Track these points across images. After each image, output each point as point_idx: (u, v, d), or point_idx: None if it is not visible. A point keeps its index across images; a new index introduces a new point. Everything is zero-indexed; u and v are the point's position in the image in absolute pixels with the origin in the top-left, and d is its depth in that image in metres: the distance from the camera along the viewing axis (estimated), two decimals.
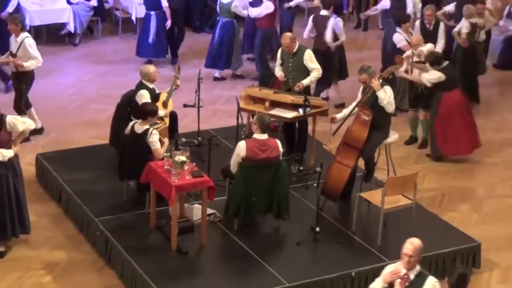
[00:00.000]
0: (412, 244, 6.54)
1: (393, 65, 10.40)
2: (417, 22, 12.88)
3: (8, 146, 8.40)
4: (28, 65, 10.87)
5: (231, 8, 13.46)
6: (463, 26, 12.81)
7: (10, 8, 13.91)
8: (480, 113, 12.92)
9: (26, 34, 11.04)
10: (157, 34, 14.10)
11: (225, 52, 13.62)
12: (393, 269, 6.60)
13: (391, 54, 12.42)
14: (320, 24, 12.52)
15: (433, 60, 10.97)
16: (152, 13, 14.09)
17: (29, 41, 10.95)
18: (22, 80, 11.03)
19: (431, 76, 10.86)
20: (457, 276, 6.36)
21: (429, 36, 12.24)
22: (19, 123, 8.51)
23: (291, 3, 14.63)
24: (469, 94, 12.07)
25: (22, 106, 11.09)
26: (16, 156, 8.54)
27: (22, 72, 10.97)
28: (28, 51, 10.86)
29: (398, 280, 6.56)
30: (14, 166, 8.51)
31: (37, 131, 11.09)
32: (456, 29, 12.89)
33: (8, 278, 8.37)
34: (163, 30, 14.10)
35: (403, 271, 6.56)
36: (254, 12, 13.47)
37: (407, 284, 6.52)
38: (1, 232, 8.55)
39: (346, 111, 9.80)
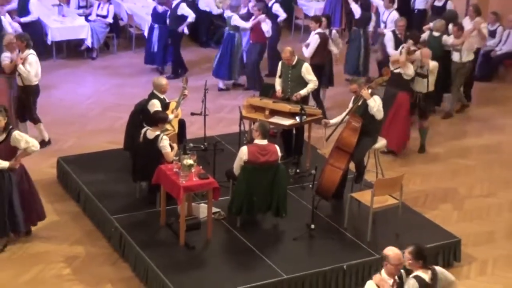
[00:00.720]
0: (397, 254, 6.46)
1: (380, 76, 10.42)
2: (390, 33, 12.86)
3: (7, 158, 8.30)
4: (24, 70, 10.54)
5: (231, 22, 13.46)
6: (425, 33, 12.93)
7: (23, 19, 13.89)
8: (458, 121, 12.94)
9: (31, 51, 10.76)
10: (159, 45, 14.14)
11: (227, 63, 13.61)
12: (381, 282, 6.46)
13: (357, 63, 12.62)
14: (325, 41, 12.49)
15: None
16: (156, 26, 14.16)
17: (32, 59, 10.69)
18: (29, 93, 10.83)
19: (410, 69, 11.01)
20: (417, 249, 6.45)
21: (400, 45, 12.17)
22: (23, 141, 8.36)
23: (278, 20, 14.43)
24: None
25: (35, 116, 10.99)
26: (11, 169, 8.36)
27: (28, 86, 10.76)
28: (25, 66, 10.56)
29: None
30: (10, 176, 8.39)
31: (45, 143, 11.02)
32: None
33: (32, 271, 8.36)
34: (165, 43, 14.13)
35: (390, 280, 6.47)
36: (268, 33, 13.49)
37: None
38: None
39: (339, 118, 9.77)
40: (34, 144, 8.48)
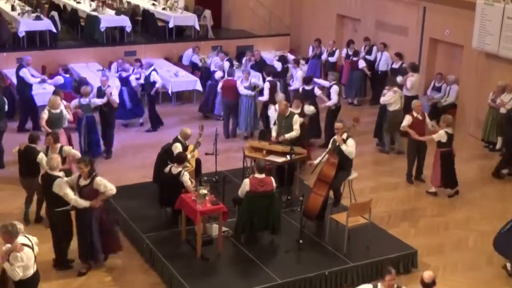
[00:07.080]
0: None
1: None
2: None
3: (89, 199, 7.98)
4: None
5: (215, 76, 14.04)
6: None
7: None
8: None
9: None
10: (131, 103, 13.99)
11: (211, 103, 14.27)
12: None
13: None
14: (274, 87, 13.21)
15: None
16: (124, 88, 13.89)
17: None
18: None
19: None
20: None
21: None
22: (102, 185, 7.99)
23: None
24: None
25: None
26: (92, 208, 8.00)
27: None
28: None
29: None
30: (91, 213, 8.07)
31: None
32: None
33: (80, 279, 8.30)
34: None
35: None
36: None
37: None
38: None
39: (320, 158, 9.73)
40: (112, 188, 8.08)
